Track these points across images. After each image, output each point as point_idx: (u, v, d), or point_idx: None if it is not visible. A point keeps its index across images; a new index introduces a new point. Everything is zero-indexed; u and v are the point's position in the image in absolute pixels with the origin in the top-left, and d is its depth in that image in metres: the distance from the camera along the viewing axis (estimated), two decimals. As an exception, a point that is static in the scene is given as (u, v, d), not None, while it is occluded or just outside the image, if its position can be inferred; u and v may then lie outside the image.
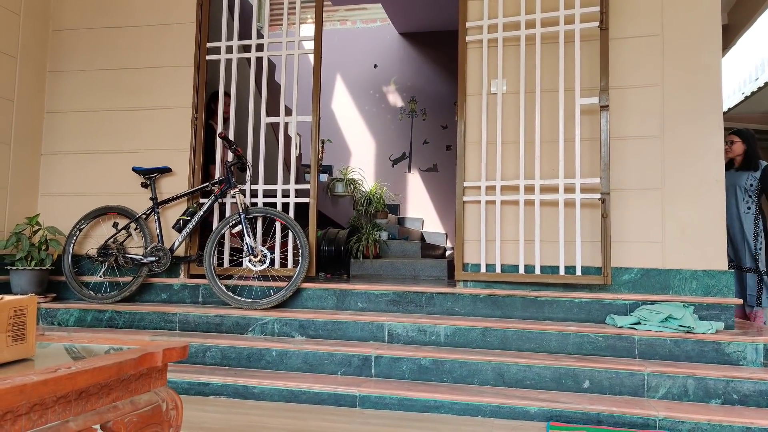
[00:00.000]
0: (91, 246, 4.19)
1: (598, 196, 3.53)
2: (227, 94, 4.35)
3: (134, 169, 4.15)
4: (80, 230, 4.13)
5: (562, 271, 3.59)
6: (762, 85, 6.86)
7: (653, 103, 3.61)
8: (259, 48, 4.31)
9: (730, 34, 6.88)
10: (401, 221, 8.16)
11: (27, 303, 1.36)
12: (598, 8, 3.60)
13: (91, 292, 3.97)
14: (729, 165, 4.50)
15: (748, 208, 4.39)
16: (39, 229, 4.09)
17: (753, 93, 7.16)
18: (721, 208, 3.48)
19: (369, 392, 2.89)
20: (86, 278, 4.12)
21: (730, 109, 7.72)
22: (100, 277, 4.04)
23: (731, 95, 7.77)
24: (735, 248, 4.44)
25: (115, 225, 4.06)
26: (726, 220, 3.53)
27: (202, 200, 4.14)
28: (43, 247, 4.01)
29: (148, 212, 4.06)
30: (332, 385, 2.95)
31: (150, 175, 4.12)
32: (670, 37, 3.61)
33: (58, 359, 1.53)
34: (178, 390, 3.06)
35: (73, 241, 4.10)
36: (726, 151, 4.42)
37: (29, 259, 3.93)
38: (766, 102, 7.35)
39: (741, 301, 3.48)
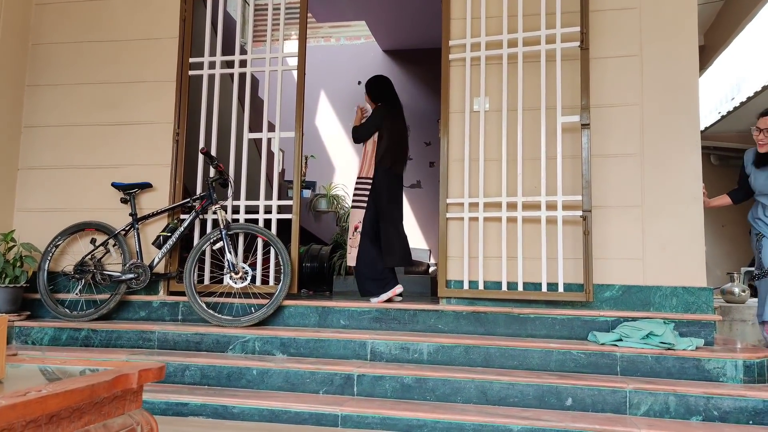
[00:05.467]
0: (67, 263, 4.10)
1: (580, 213, 3.56)
2: None
3: (114, 185, 4.09)
4: (57, 246, 4.05)
5: (544, 288, 3.59)
6: (738, 104, 7.02)
7: (633, 121, 3.66)
8: (243, 64, 4.30)
9: (707, 55, 7.04)
10: (384, 237, 8.14)
11: (-3, 323, 1.32)
12: (578, 29, 3.65)
13: (67, 310, 3.88)
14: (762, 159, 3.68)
15: None
16: (14, 246, 4.00)
17: (729, 112, 7.32)
18: (699, 225, 3.52)
19: (351, 411, 2.84)
20: (62, 296, 4.03)
21: (707, 128, 7.87)
22: (77, 294, 3.95)
23: (708, 114, 7.93)
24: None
25: (93, 241, 3.98)
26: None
27: (183, 216, 4.09)
28: (18, 263, 3.92)
29: (127, 228, 4.00)
30: (314, 404, 2.91)
31: (130, 191, 4.06)
32: (649, 58, 3.68)
33: (30, 381, 1.48)
34: (156, 411, 2.99)
35: (49, 258, 4.02)
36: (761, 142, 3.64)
37: (3, 276, 3.84)
38: (741, 121, 7.51)
39: (720, 318, 3.51)
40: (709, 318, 3.38)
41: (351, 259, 4.17)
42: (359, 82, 9.14)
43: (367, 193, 4.13)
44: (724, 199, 3.90)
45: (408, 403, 2.97)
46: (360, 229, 4.12)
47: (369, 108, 4.38)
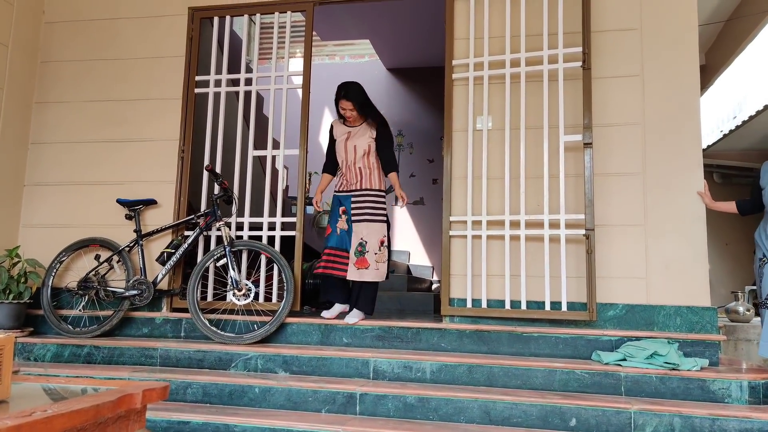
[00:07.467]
0: (71, 279, 4.11)
1: (583, 231, 3.56)
2: None
3: (119, 201, 4.12)
4: (61, 262, 4.07)
5: (547, 307, 3.59)
6: (740, 123, 7.03)
7: (635, 140, 3.68)
8: (248, 82, 4.35)
9: (708, 74, 7.09)
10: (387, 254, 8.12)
11: (4, 343, 1.33)
12: (580, 49, 3.69)
13: (70, 327, 3.88)
14: None
15: None
16: (18, 261, 4.01)
17: (731, 131, 7.34)
18: (702, 244, 3.52)
19: (353, 431, 2.83)
20: (65, 312, 4.04)
21: (709, 147, 7.89)
22: (80, 310, 3.96)
23: (710, 133, 7.95)
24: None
25: (97, 257, 4.00)
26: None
27: (187, 233, 4.11)
28: (22, 279, 3.93)
29: (131, 244, 4.01)
30: (316, 423, 2.89)
31: (134, 207, 4.08)
32: (650, 78, 3.71)
33: (34, 401, 1.49)
34: (157, 429, 2.97)
35: (53, 274, 4.03)
36: None
37: (7, 292, 3.85)
38: (744, 140, 7.53)
39: (725, 337, 3.49)
40: (714, 338, 3.37)
41: (380, 276, 3.85)
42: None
43: (385, 206, 3.98)
44: (730, 206, 3.69)
45: (411, 423, 2.95)
46: (386, 244, 3.92)
47: (352, 114, 3.94)
